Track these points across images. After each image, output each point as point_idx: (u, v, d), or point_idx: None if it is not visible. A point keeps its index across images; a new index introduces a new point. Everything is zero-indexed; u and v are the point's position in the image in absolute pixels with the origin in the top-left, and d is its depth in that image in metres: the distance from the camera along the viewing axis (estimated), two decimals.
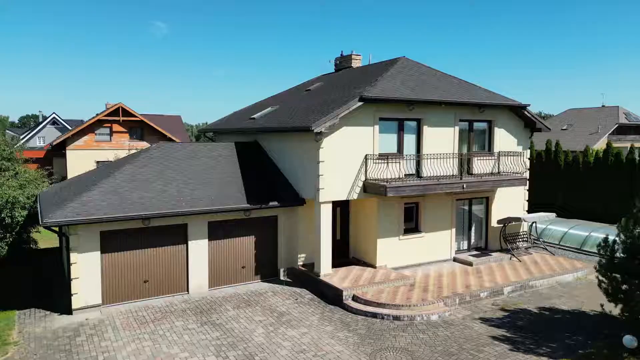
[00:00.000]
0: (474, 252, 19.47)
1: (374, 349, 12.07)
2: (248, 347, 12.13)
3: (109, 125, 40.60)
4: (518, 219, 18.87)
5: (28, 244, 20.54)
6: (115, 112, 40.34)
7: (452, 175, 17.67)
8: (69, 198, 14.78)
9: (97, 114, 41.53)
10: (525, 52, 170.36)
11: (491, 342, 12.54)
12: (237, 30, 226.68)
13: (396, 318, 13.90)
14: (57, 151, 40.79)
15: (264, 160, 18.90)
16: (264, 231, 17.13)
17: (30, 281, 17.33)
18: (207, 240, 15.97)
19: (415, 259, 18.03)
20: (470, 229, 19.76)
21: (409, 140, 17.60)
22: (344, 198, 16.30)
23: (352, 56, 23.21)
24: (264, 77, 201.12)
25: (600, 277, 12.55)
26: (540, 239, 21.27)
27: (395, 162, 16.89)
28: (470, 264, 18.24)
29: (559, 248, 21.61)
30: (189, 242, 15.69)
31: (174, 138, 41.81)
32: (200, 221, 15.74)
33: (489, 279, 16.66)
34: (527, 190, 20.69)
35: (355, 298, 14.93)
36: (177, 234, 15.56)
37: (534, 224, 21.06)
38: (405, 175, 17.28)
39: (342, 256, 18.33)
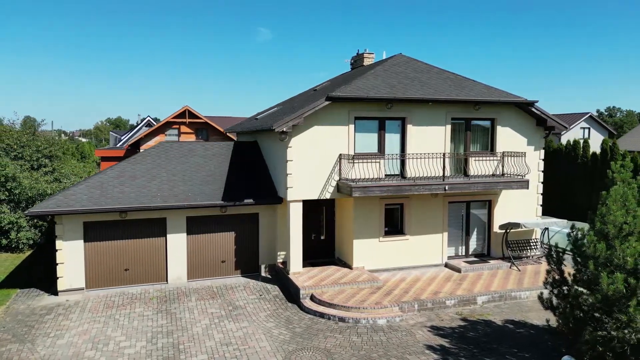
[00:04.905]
0: (472, 259, 18.32)
1: (296, 348, 12.07)
2: (181, 337, 12.73)
3: (177, 126, 43.86)
4: (517, 225, 17.42)
5: None
6: (182, 115, 43.48)
7: (446, 176, 16.74)
8: (60, 191, 16.48)
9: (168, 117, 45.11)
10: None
11: (422, 351, 11.91)
12: (335, 34, 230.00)
13: (341, 320, 13.68)
14: (134, 150, 45.13)
15: (256, 160, 19.42)
16: (245, 228, 17.65)
17: (46, 264, 19.44)
18: (185, 234, 16.86)
19: (398, 262, 17.42)
20: (469, 234, 18.60)
21: (392, 139, 17.07)
22: (315, 197, 16.28)
23: (365, 55, 22.89)
24: None
25: (546, 287, 11.42)
26: (553, 247, 19.30)
27: (374, 162, 16.50)
28: (458, 270, 17.23)
29: None
30: (168, 235, 16.69)
31: (234, 138, 44.03)
32: (178, 216, 16.67)
33: (468, 287, 15.65)
34: (541, 193, 19.01)
35: (312, 297, 14.91)
36: (156, 227, 16.63)
37: (546, 231, 19.26)
38: (386, 175, 16.84)
39: (327, 256, 18.32)
